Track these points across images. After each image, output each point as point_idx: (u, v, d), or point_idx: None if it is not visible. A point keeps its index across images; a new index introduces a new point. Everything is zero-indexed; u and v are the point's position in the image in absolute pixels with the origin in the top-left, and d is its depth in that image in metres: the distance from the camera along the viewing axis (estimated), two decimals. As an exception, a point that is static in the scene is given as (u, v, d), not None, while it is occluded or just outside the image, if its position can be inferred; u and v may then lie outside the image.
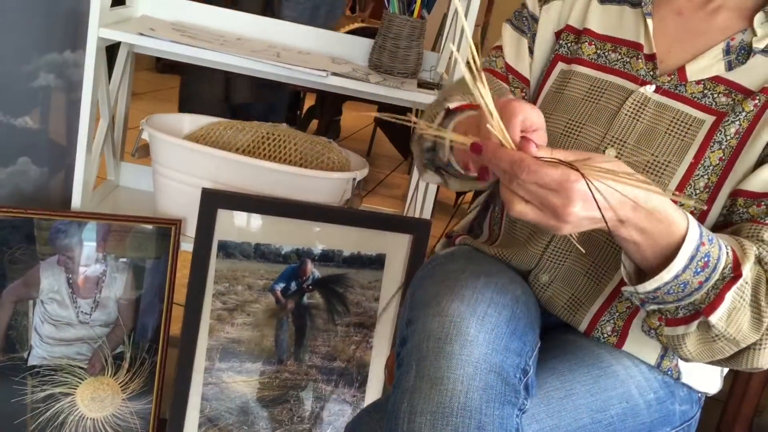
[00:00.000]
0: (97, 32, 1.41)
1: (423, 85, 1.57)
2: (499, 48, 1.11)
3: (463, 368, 0.77)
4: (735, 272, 0.77)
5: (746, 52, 0.92)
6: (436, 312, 0.81)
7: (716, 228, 0.91)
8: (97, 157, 1.59)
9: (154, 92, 4.49)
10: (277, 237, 1.44)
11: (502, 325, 0.81)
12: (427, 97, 1.51)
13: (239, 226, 1.42)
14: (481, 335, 0.79)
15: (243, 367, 1.47)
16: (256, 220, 1.43)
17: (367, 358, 1.52)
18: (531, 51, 1.08)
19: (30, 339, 1.41)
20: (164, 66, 5.23)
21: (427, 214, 1.57)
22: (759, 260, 0.81)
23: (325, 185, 1.49)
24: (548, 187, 0.69)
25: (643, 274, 0.82)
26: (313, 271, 1.47)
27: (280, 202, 1.43)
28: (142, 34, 1.44)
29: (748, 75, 0.92)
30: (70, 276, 1.42)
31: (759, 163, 0.89)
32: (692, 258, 0.76)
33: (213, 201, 1.39)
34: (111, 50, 1.56)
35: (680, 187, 0.91)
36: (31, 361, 1.41)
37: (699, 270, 0.76)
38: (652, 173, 0.92)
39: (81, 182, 1.50)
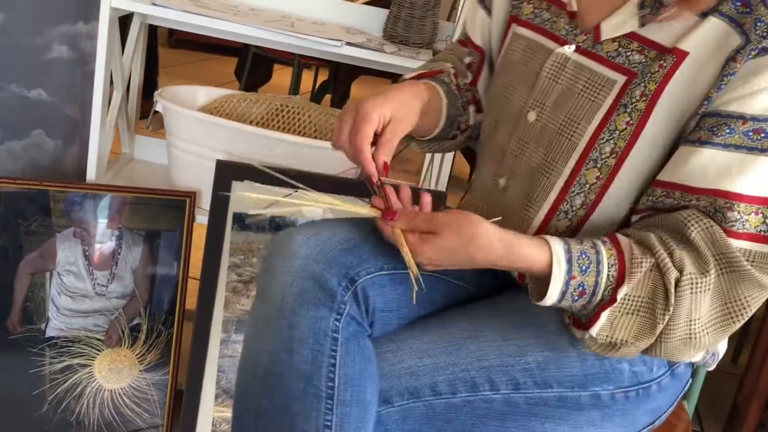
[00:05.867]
0: (109, 2, 1.40)
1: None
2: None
3: (283, 278, 0.85)
4: (612, 296, 0.81)
5: (658, 3, 0.87)
6: (275, 237, 0.92)
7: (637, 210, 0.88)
8: (111, 130, 1.59)
9: (167, 68, 4.48)
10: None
11: (333, 242, 0.87)
12: (442, 68, 1.49)
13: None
14: (303, 249, 0.86)
15: (258, 339, 1.47)
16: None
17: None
18: (489, 12, 1.08)
19: (47, 310, 1.41)
20: (177, 41, 5.22)
21: (442, 188, 1.56)
22: (658, 267, 0.80)
23: (339, 157, 1.48)
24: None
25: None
26: (328, 243, 1.46)
27: (295, 174, 1.42)
28: (155, 4, 1.43)
29: (661, 30, 0.86)
30: (86, 248, 1.42)
31: (685, 143, 0.84)
32: (563, 293, 0.82)
33: (227, 173, 1.39)
34: (124, 22, 1.55)
35: (587, 150, 0.88)
36: (49, 333, 1.42)
37: (576, 298, 0.82)
38: (564, 135, 0.90)
39: (95, 155, 1.50)
